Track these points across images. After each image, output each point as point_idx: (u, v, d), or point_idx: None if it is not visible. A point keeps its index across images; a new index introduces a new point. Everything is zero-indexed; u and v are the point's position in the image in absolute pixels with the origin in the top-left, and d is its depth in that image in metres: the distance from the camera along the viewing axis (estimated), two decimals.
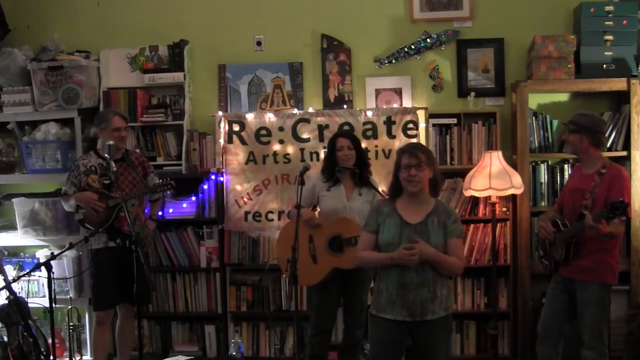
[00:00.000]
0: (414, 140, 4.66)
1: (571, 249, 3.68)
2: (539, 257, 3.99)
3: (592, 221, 3.45)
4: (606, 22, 4.51)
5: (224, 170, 4.81)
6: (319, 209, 4.20)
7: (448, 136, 4.74)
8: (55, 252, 4.15)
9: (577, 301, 3.74)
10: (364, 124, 4.71)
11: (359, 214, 4.02)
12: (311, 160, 4.71)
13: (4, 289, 4.14)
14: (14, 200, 4.98)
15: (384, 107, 4.84)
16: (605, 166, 3.70)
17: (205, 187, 4.86)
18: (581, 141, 3.71)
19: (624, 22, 4.50)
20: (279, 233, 4.37)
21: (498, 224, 4.55)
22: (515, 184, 4.33)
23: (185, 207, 4.89)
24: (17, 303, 4.21)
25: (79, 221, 4.31)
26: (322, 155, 4.62)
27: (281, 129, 4.78)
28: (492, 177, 4.33)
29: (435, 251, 3.16)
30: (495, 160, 4.39)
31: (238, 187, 4.82)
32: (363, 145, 4.48)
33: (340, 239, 3.99)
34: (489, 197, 4.46)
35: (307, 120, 4.77)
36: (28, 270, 3.89)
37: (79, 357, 4.86)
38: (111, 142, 4.06)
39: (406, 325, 3.21)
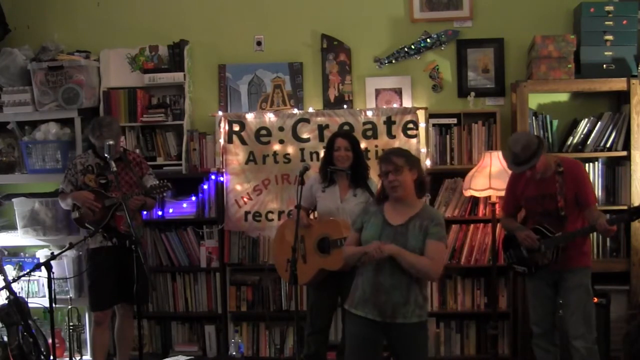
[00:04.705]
0: (414, 140, 4.66)
1: (559, 250, 3.73)
2: (509, 264, 4.02)
3: (608, 225, 3.51)
4: (606, 22, 4.51)
5: (224, 170, 4.81)
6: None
7: (448, 136, 4.73)
8: (55, 252, 4.16)
9: (561, 291, 3.77)
10: (364, 124, 4.71)
11: (352, 216, 3.95)
12: (311, 160, 4.70)
13: (4, 289, 4.15)
14: (14, 200, 4.98)
15: (384, 107, 4.84)
16: (560, 164, 3.75)
17: (205, 187, 4.86)
18: (545, 157, 3.71)
19: (624, 22, 4.50)
20: (275, 233, 4.37)
21: (498, 224, 4.54)
22: None
23: (185, 207, 4.89)
24: (17, 303, 4.22)
25: (74, 220, 4.30)
26: (322, 155, 4.61)
27: (281, 129, 4.78)
28: (492, 177, 4.33)
29: (396, 247, 3.13)
30: (495, 160, 4.39)
31: (238, 187, 4.82)
32: (363, 145, 4.46)
33: (328, 240, 3.96)
34: (489, 197, 4.46)
35: (307, 120, 4.77)
36: (28, 270, 3.90)
37: (79, 357, 4.85)
38: (111, 142, 4.00)
39: (378, 324, 3.20)
